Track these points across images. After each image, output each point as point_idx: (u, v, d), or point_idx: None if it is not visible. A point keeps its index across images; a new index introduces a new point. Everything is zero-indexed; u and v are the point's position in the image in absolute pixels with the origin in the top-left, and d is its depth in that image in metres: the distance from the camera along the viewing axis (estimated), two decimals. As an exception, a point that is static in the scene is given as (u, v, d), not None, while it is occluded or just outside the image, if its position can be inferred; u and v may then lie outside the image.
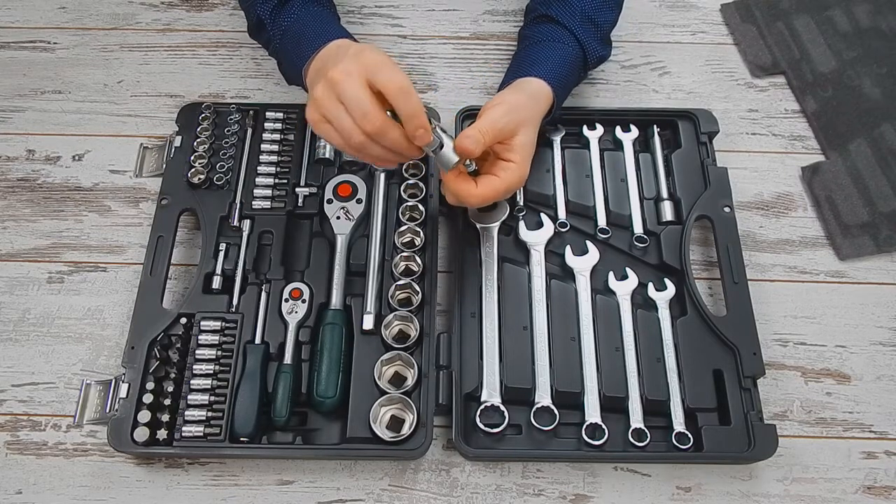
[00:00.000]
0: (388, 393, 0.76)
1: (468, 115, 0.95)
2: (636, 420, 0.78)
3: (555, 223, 0.89)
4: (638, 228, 0.90)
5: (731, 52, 1.09)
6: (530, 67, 0.86)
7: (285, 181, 0.90)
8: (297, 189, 0.89)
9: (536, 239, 0.88)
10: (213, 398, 0.77)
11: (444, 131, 0.74)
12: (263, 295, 0.83)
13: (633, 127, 0.96)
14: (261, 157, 0.92)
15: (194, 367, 0.78)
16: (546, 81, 0.84)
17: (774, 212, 0.95)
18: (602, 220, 0.90)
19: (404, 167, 0.90)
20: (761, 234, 0.93)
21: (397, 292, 0.83)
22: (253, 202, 0.88)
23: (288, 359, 0.79)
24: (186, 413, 0.76)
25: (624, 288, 0.85)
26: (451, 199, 0.81)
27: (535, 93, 0.83)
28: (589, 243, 0.88)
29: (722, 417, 0.79)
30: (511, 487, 0.77)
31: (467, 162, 0.79)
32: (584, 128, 0.96)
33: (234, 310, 0.82)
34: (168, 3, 1.10)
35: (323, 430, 0.78)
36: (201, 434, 0.75)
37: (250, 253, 0.85)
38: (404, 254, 0.84)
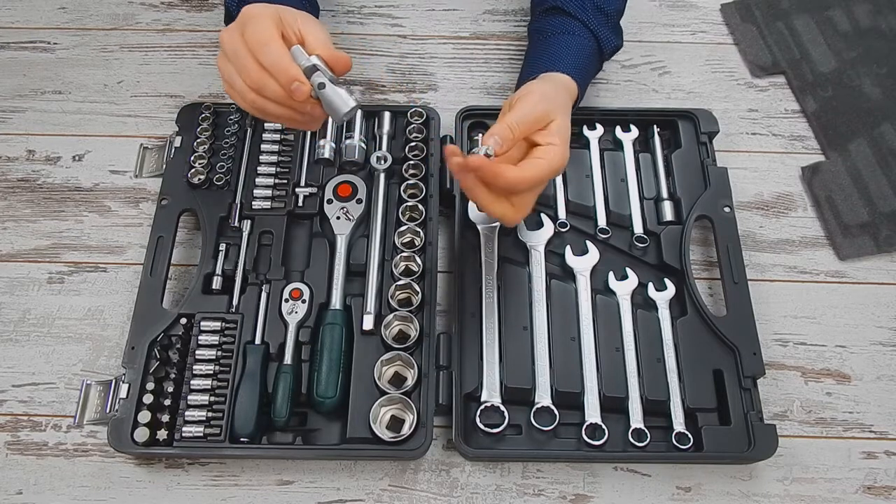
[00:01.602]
0: (388, 393, 0.76)
1: (468, 115, 0.95)
2: (636, 420, 0.78)
3: (555, 223, 0.89)
4: (638, 228, 0.90)
5: (731, 52, 1.09)
6: (552, 63, 0.84)
7: (285, 181, 0.90)
8: (297, 189, 0.89)
9: (536, 239, 0.88)
10: (213, 398, 0.77)
11: (337, 82, 0.68)
12: (263, 295, 0.83)
13: (633, 127, 0.96)
14: (261, 157, 0.92)
15: (194, 367, 0.78)
16: (571, 76, 0.83)
17: (774, 212, 0.95)
18: (602, 220, 0.90)
19: (404, 168, 0.90)
20: (761, 234, 0.93)
21: (397, 292, 0.83)
22: (253, 202, 0.88)
23: (288, 359, 0.79)
24: (186, 413, 0.76)
25: (624, 288, 0.85)
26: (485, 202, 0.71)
27: (563, 84, 0.82)
28: (589, 243, 0.88)
29: (722, 417, 0.79)
30: (511, 487, 0.77)
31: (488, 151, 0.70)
32: (584, 128, 0.96)
33: (234, 310, 0.82)
34: (168, 3, 1.10)
35: (323, 430, 0.78)
36: (201, 434, 0.75)
37: (250, 253, 0.85)
38: (404, 254, 0.84)
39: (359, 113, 0.93)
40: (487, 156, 0.69)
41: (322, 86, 0.67)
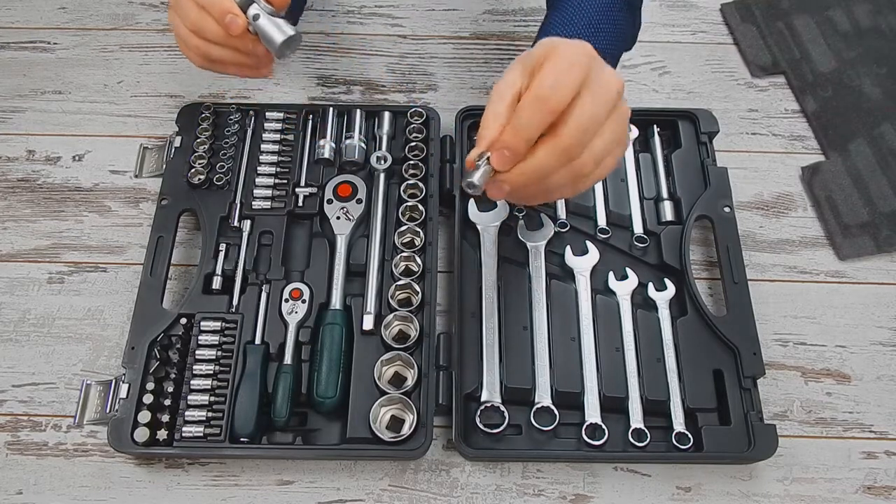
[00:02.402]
0: (388, 393, 0.76)
1: (468, 115, 0.95)
2: (636, 420, 0.78)
3: (555, 223, 0.89)
4: (638, 228, 0.90)
5: (731, 52, 1.09)
6: (543, 31, 0.75)
7: (285, 181, 0.90)
8: (297, 189, 0.89)
9: (536, 239, 0.88)
10: (213, 398, 0.77)
11: (274, 15, 0.67)
12: (263, 295, 0.83)
13: (632, 127, 0.96)
14: (261, 157, 0.92)
15: (194, 367, 0.78)
16: (560, 35, 0.65)
17: (774, 212, 0.95)
18: (602, 220, 0.90)
19: (404, 168, 0.90)
20: (761, 234, 0.93)
21: (397, 292, 0.83)
22: (253, 202, 0.88)
23: (288, 359, 0.79)
24: (186, 413, 0.76)
25: (624, 288, 0.85)
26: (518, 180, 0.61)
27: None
28: (589, 243, 0.88)
29: (722, 417, 0.79)
30: (511, 487, 0.77)
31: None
32: (584, 128, 0.96)
33: (234, 310, 0.82)
34: (168, 3, 1.10)
35: (323, 430, 0.78)
36: (201, 434, 0.75)
37: (250, 253, 0.85)
38: (404, 254, 0.84)
39: (359, 113, 0.93)
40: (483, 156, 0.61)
41: (256, 17, 0.67)
